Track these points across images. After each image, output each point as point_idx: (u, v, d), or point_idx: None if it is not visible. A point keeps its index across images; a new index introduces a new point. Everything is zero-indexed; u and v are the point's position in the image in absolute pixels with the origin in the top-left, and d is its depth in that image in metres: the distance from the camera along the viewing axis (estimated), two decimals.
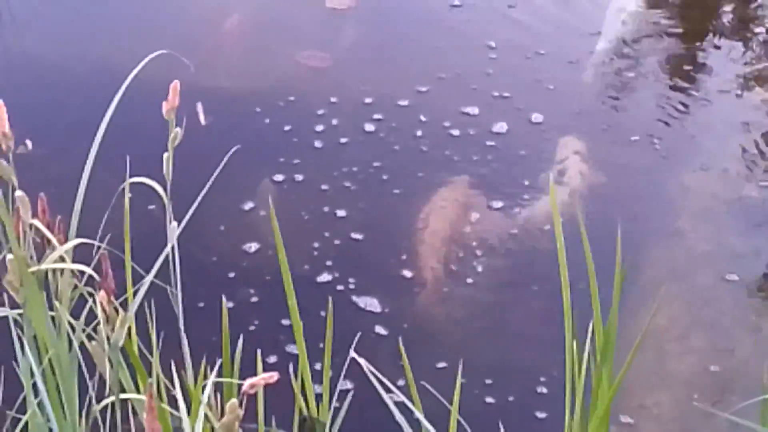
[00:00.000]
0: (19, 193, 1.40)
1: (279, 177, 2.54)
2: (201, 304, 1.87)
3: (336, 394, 1.75)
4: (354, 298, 2.24)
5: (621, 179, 2.59)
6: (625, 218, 2.33)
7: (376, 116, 2.72)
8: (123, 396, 1.52)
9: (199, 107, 1.54)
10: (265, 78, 2.83)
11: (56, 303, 1.47)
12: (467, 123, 2.73)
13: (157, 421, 1.36)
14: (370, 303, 2.24)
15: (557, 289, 1.73)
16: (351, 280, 2.30)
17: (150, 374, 1.59)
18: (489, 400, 2.04)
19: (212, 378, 1.49)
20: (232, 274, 2.28)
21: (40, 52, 2.93)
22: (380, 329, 2.19)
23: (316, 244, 2.39)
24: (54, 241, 1.44)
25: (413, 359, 1.72)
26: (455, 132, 2.69)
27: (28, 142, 1.55)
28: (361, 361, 1.48)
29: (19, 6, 3.12)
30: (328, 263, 2.35)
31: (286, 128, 2.67)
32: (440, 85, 2.83)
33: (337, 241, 2.41)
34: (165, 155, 1.55)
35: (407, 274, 2.35)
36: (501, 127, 2.70)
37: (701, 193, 2.53)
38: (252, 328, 2.14)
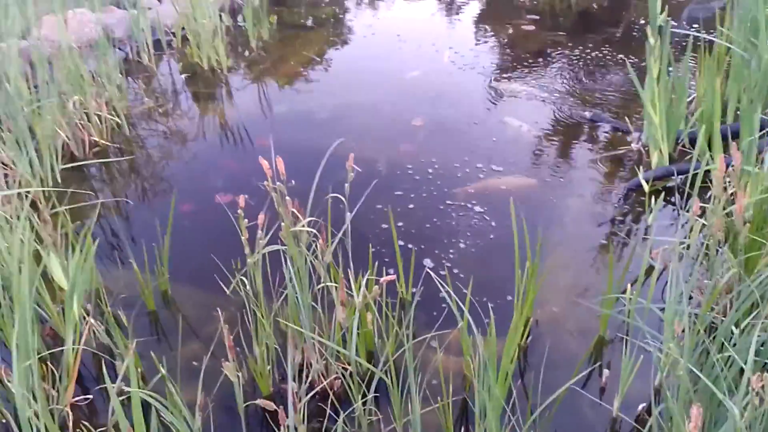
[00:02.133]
0: (287, 198, 1.64)
1: (398, 192, 2.66)
2: (359, 249, 1.94)
3: (415, 288, 1.89)
4: (422, 248, 2.32)
5: (536, 199, 2.61)
6: (542, 219, 2.42)
7: (436, 166, 2.84)
8: (329, 284, 1.72)
9: (354, 165, 1.65)
10: (385, 155, 2.89)
11: (301, 245, 1.69)
12: (481, 169, 2.77)
13: (344, 293, 1.62)
14: (429, 249, 2.31)
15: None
16: (422, 241, 2.37)
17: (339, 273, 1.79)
18: (482, 295, 2.11)
19: (365, 278, 1.74)
20: (371, 235, 2.40)
21: (287, 138, 3.08)
22: (433, 260, 2.25)
23: (407, 220, 2.45)
24: (300, 218, 1.67)
25: (452, 275, 1.91)
26: (476, 174, 2.74)
27: (293, 181, 1.73)
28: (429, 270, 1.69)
29: (276, 121, 3.31)
30: (416, 227, 2.42)
31: (397, 172, 2.80)
32: (471, 156, 2.90)
33: (419, 215, 2.49)
34: (346, 185, 1.75)
35: (442, 234, 2.38)
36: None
37: (576, 207, 2.58)
38: (382, 258, 2.23)
